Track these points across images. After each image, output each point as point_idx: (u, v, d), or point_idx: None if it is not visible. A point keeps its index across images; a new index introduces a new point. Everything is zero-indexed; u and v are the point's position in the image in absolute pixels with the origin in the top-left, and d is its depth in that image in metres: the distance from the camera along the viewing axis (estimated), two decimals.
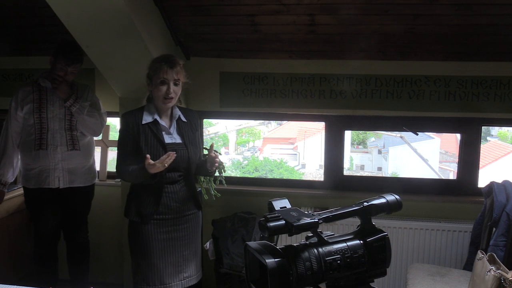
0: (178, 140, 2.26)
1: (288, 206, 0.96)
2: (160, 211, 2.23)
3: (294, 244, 0.94)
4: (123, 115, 2.30)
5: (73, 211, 2.81)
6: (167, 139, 2.23)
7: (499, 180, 2.65)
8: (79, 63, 2.69)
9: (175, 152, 2.12)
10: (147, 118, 2.22)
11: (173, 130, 2.27)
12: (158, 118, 2.23)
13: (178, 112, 2.31)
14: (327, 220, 0.95)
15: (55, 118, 2.67)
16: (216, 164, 2.23)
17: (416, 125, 3.13)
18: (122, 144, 2.26)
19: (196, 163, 2.34)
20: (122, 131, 2.27)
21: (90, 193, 2.88)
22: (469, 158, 3.09)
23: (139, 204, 2.26)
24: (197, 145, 2.34)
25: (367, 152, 7.80)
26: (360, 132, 7.36)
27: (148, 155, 2.09)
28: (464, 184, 3.10)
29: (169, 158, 2.07)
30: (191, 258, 2.35)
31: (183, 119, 2.32)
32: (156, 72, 2.17)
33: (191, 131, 2.32)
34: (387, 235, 0.99)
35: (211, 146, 2.24)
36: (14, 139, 2.74)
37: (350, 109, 3.05)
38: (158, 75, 2.17)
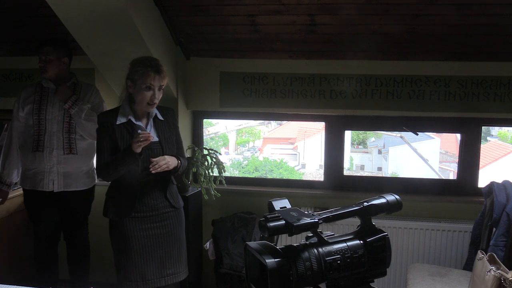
0: (155, 138, 2.26)
1: (288, 206, 0.96)
2: (138, 208, 2.25)
3: (294, 244, 0.94)
4: (99, 116, 2.31)
5: (71, 214, 2.80)
6: None
7: (499, 180, 2.65)
8: (47, 46, 2.62)
9: (147, 133, 2.15)
10: (121, 119, 2.22)
11: (149, 128, 2.27)
12: (132, 119, 2.23)
13: (155, 111, 2.30)
14: (327, 220, 0.95)
15: (54, 120, 2.65)
16: (154, 167, 2.18)
17: (416, 125, 3.13)
18: (100, 144, 2.26)
19: None
20: (98, 132, 2.27)
21: (89, 196, 2.85)
22: (469, 158, 3.09)
23: (117, 202, 2.28)
24: (173, 143, 2.35)
25: (367, 152, 7.79)
26: (360, 132, 7.34)
27: (140, 131, 2.14)
28: (464, 184, 3.10)
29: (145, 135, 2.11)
30: (175, 255, 2.36)
31: (160, 117, 2.32)
32: (142, 76, 2.15)
33: (168, 130, 2.33)
34: (387, 235, 0.99)
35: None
36: (17, 140, 2.74)
37: (350, 109, 3.05)
38: (143, 80, 2.15)
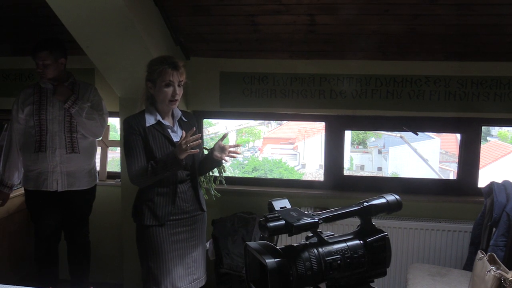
0: None
1: (288, 206, 0.96)
2: (173, 211, 2.22)
3: (294, 244, 0.94)
4: (126, 120, 2.24)
5: (73, 213, 2.80)
6: (174, 137, 2.24)
7: (499, 180, 2.65)
8: (44, 50, 2.60)
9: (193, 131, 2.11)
10: (150, 121, 2.21)
11: (176, 129, 2.28)
12: (160, 119, 2.23)
13: (179, 112, 2.31)
14: (327, 220, 0.95)
15: (55, 120, 2.65)
16: (224, 154, 2.20)
17: (416, 125, 3.13)
18: (132, 148, 2.18)
19: (199, 161, 2.36)
20: (129, 135, 2.20)
21: (91, 196, 2.86)
22: (469, 158, 3.09)
23: (154, 206, 2.21)
24: (199, 144, 2.33)
25: (367, 152, 7.80)
26: (360, 132, 7.35)
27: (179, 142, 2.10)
28: (464, 184, 3.10)
29: (191, 138, 2.06)
30: (199, 260, 2.35)
31: (184, 119, 2.33)
32: (160, 75, 2.15)
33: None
34: (387, 235, 0.99)
35: (225, 135, 2.28)
36: (17, 141, 2.74)
37: (350, 109, 3.05)
38: (162, 78, 2.15)
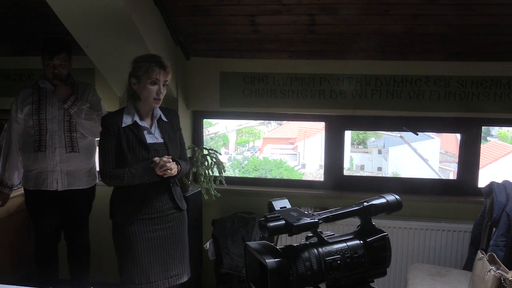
0: (159, 139, 2.26)
1: (288, 206, 0.96)
2: (144, 210, 2.23)
3: (294, 244, 0.94)
4: (103, 118, 2.28)
5: (73, 213, 2.80)
6: (149, 139, 2.23)
7: (499, 180, 2.65)
8: (63, 52, 2.62)
9: (166, 158, 2.16)
10: (126, 121, 2.21)
11: (154, 129, 2.27)
12: (137, 120, 2.22)
13: (159, 112, 2.29)
14: (327, 220, 0.95)
15: (54, 119, 2.65)
16: (163, 170, 2.16)
17: (416, 125, 3.13)
18: (104, 148, 2.22)
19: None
20: (102, 134, 2.24)
21: (90, 195, 2.86)
22: (469, 158, 3.09)
23: (124, 205, 2.25)
24: (177, 145, 2.33)
25: (367, 152, 7.79)
26: (360, 132, 7.34)
27: (155, 158, 2.15)
28: (464, 184, 3.10)
29: (166, 163, 2.14)
30: (178, 257, 2.35)
31: (164, 119, 2.31)
32: (146, 72, 2.15)
33: (172, 131, 2.32)
34: (387, 235, 0.99)
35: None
36: (16, 141, 2.74)
37: (350, 109, 3.05)
38: (149, 75, 2.15)
